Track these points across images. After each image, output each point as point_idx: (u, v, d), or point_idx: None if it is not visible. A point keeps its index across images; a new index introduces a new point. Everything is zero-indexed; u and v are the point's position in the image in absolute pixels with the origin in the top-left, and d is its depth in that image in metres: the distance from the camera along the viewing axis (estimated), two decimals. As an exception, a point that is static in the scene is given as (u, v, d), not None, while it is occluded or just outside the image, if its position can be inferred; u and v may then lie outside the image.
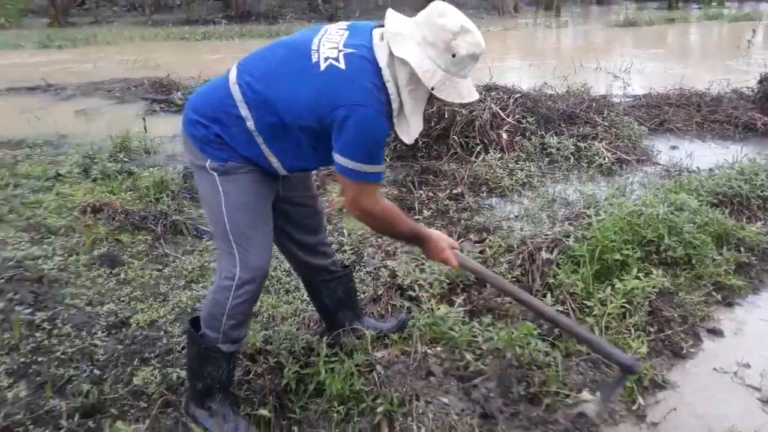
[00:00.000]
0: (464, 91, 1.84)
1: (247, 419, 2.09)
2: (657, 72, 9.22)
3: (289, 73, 1.84)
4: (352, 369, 2.15)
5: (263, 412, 2.07)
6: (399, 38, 1.79)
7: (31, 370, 2.39)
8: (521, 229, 3.71)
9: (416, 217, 4.01)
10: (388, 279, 3.09)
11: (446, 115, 5.44)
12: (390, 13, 1.87)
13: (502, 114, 5.59)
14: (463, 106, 5.27)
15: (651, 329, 2.68)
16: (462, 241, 3.66)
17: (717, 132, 5.98)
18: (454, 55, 1.77)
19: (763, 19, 14.96)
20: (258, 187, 1.97)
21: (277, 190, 2.08)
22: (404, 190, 4.51)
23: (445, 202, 4.24)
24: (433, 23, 1.78)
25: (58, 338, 2.61)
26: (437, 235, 2.12)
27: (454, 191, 4.47)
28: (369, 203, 1.90)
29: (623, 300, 2.70)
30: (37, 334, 2.62)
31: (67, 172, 4.79)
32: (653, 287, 2.80)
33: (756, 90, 6.80)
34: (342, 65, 1.77)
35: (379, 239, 3.69)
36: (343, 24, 1.94)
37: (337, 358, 2.24)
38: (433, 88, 1.79)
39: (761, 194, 4.00)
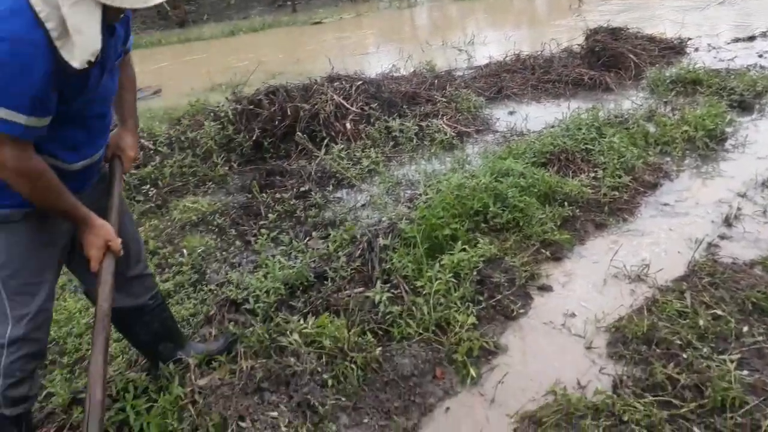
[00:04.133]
0: None
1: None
2: (498, 40, 9.59)
3: None
4: (167, 406, 2.02)
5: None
6: None
7: None
8: (367, 217, 3.71)
9: (262, 222, 3.90)
10: (225, 294, 2.96)
11: (290, 112, 5.34)
12: None
13: (346, 104, 5.58)
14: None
15: (481, 297, 2.75)
16: (308, 240, 3.60)
17: (550, 92, 6.28)
18: None
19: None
20: (38, 236, 1.78)
21: (71, 231, 1.87)
22: (249, 195, 4.38)
23: (292, 202, 4.15)
24: None
25: None
26: (100, 225, 1.83)
27: (302, 189, 4.40)
28: (9, 157, 1.58)
29: (450, 274, 2.75)
30: None
31: None
32: (480, 256, 2.87)
33: (583, 46, 7.26)
34: None
35: (224, 252, 3.56)
36: None
37: (149, 396, 2.11)
38: None
39: (584, 147, 4.25)
